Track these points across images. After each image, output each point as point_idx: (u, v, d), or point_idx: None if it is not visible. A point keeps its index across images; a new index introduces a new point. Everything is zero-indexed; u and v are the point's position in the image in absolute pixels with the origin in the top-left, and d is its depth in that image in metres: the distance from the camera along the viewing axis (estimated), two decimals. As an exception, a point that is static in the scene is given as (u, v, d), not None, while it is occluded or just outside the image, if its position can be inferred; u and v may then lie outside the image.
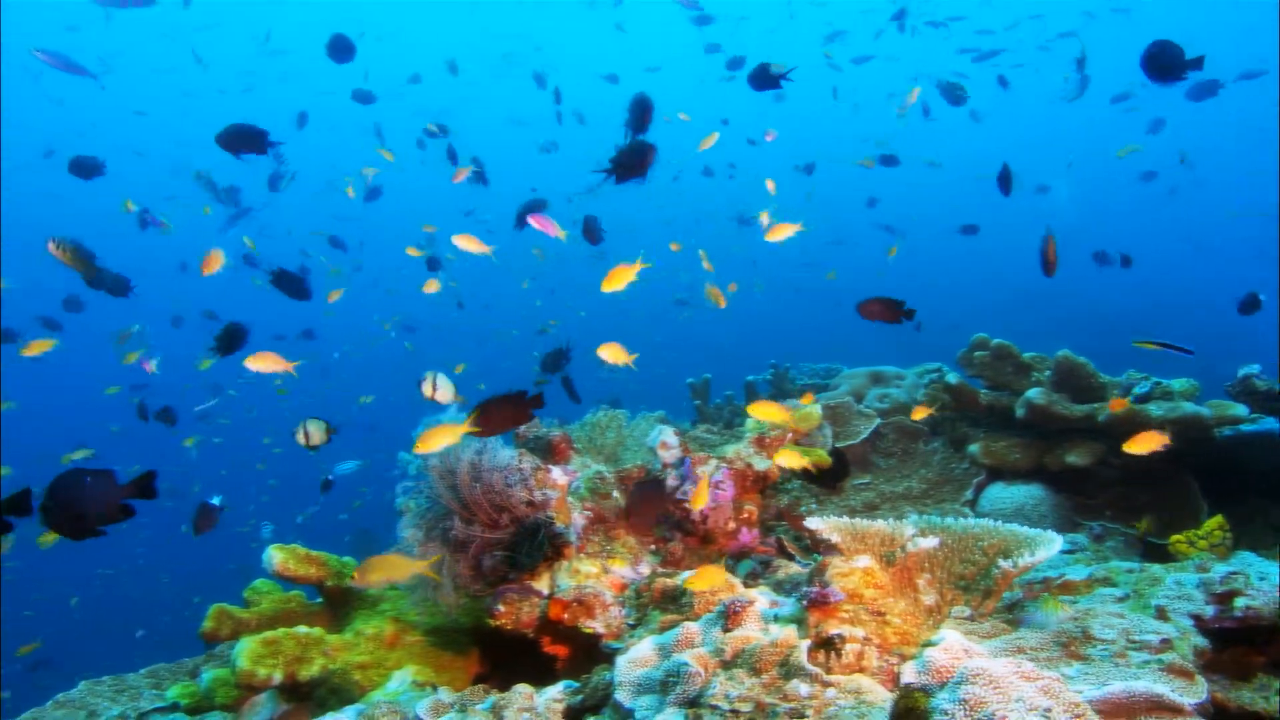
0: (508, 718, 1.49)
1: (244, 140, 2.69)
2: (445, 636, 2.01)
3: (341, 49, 4.26)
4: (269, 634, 1.81)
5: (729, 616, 1.47)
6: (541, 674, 1.89)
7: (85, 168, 3.48)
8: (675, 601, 1.75)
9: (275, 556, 2.13)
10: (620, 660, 1.53)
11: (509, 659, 2.07)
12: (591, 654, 1.86)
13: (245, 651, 1.74)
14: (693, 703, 1.33)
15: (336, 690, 1.80)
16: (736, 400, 5.70)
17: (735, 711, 1.26)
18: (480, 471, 1.93)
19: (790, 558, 2.40)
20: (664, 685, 1.43)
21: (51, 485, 1.33)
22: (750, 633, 1.42)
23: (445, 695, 1.78)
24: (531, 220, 2.87)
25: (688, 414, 4.46)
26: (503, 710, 1.52)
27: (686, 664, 1.38)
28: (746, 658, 1.37)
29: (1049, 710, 0.99)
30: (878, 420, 3.32)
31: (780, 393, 5.66)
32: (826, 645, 1.31)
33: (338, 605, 2.21)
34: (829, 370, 6.19)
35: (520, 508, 1.93)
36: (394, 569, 1.67)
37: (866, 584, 1.47)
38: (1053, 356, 2.79)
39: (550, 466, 2.14)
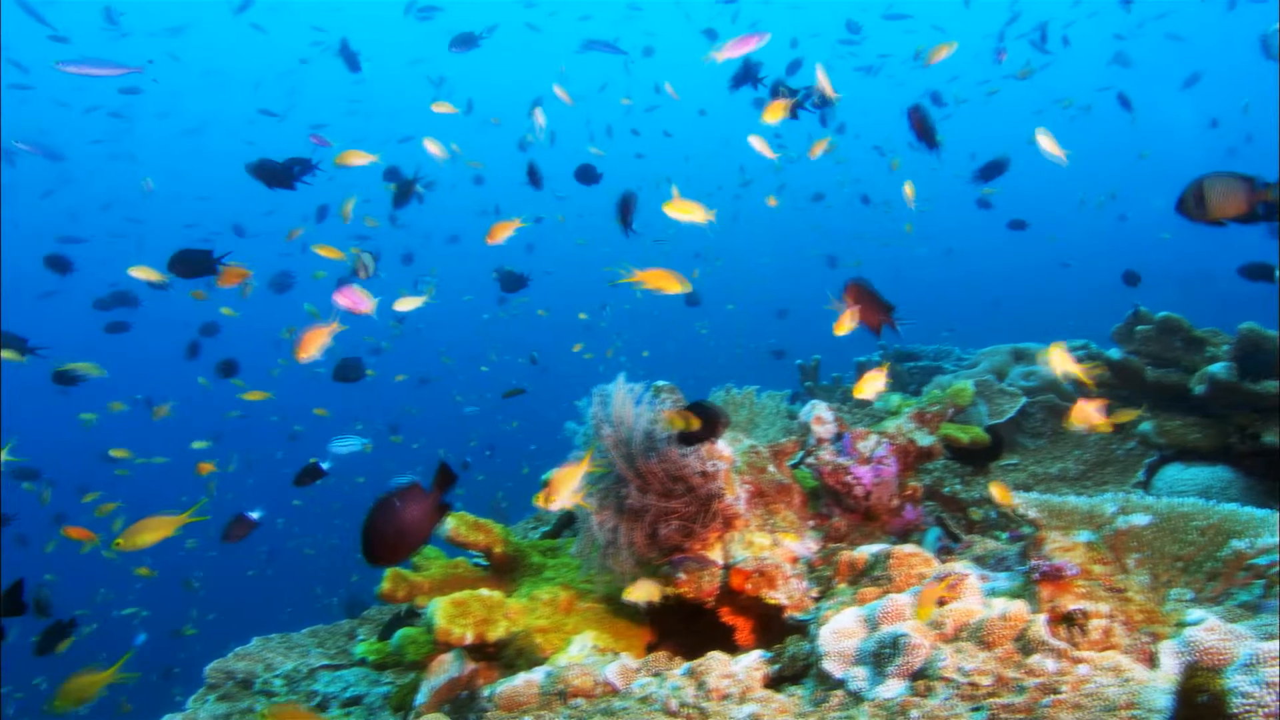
0: (710, 683, 1.49)
1: (274, 176, 2.72)
2: (617, 604, 2.04)
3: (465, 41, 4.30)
4: (457, 595, 1.87)
5: (946, 588, 1.43)
6: (710, 644, 1.89)
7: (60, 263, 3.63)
8: (866, 574, 1.71)
9: (447, 522, 2.21)
10: (823, 631, 1.50)
11: (675, 629, 2.08)
12: (770, 626, 1.85)
13: (439, 611, 1.80)
14: (919, 675, 1.30)
15: (522, 651, 1.85)
16: (845, 382, 5.58)
17: (974, 684, 1.22)
18: (655, 441, 1.93)
19: (956, 538, 2.32)
20: (877, 657, 1.40)
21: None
22: (971, 606, 1.38)
23: (630, 660, 1.81)
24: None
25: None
26: (703, 676, 1.52)
27: (906, 635, 1.35)
28: (973, 631, 1.32)
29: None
30: (1024, 399, 3.17)
31: (890, 375, 5.49)
32: (1067, 621, 1.25)
33: (503, 572, 2.27)
34: (939, 352, 5.99)
35: (695, 478, 1.93)
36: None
37: (1092, 560, 1.40)
38: (1232, 331, 2.59)
39: (717, 437, 2.13)
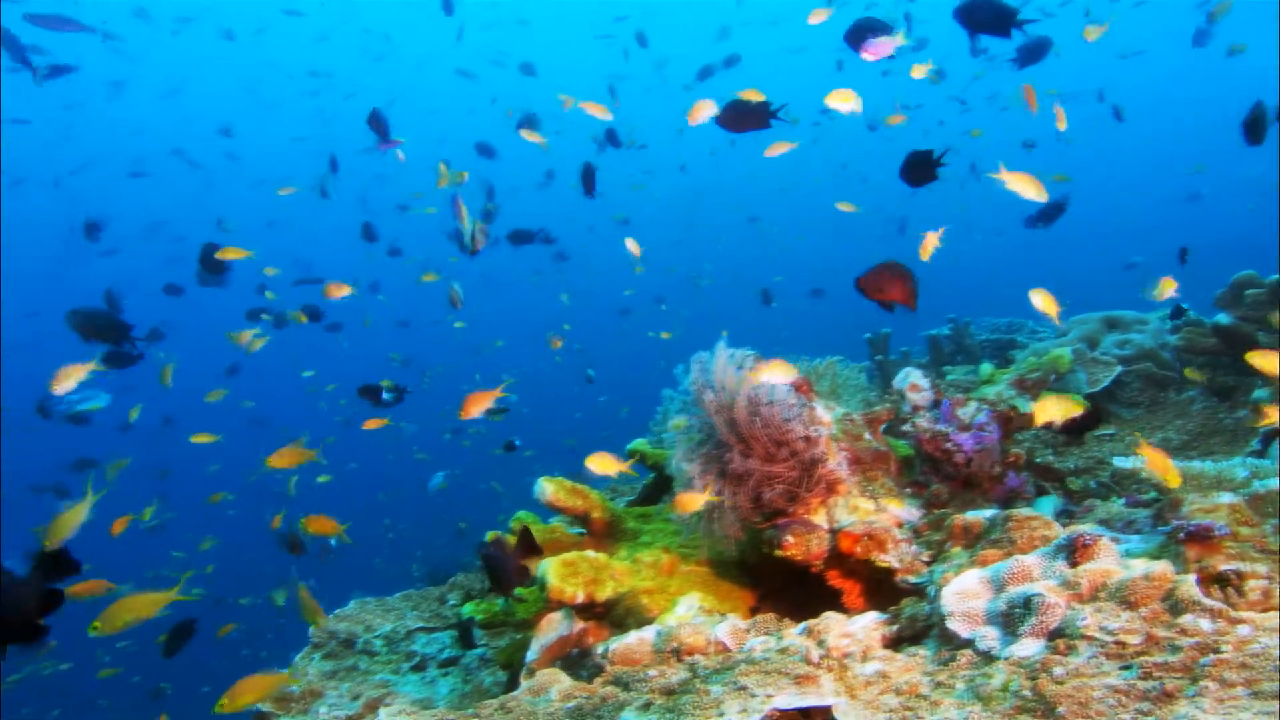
0: (829, 641, 1.50)
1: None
2: (718, 567, 2.06)
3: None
4: (566, 556, 1.91)
5: (1076, 550, 1.40)
6: (812, 608, 1.89)
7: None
8: (983, 538, 1.69)
9: (547, 488, 2.25)
10: (946, 592, 1.49)
11: (774, 593, 2.09)
12: (880, 589, 1.85)
13: (552, 571, 1.85)
14: (1056, 634, 1.28)
15: (630, 611, 1.89)
16: (914, 356, 5.48)
17: (1120, 643, 1.19)
18: (759, 406, 1.93)
19: (1059, 505, 2.27)
20: (1007, 617, 1.38)
21: None
22: (1108, 566, 1.35)
23: (738, 621, 1.83)
24: None
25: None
26: (822, 635, 1.53)
27: (1041, 594, 1.33)
28: (1114, 591, 1.30)
29: None
30: (1119, 368, 3.07)
31: (960, 348, 5.39)
32: (1219, 581, 1.22)
33: (599, 536, 2.31)
34: (1011, 325, 5.83)
35: (798, 443, 1.93)
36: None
37: (1237, 521, 1.36)
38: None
39: (814, 404, 2.12)
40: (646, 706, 1.20)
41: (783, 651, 1.25)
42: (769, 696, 1.09)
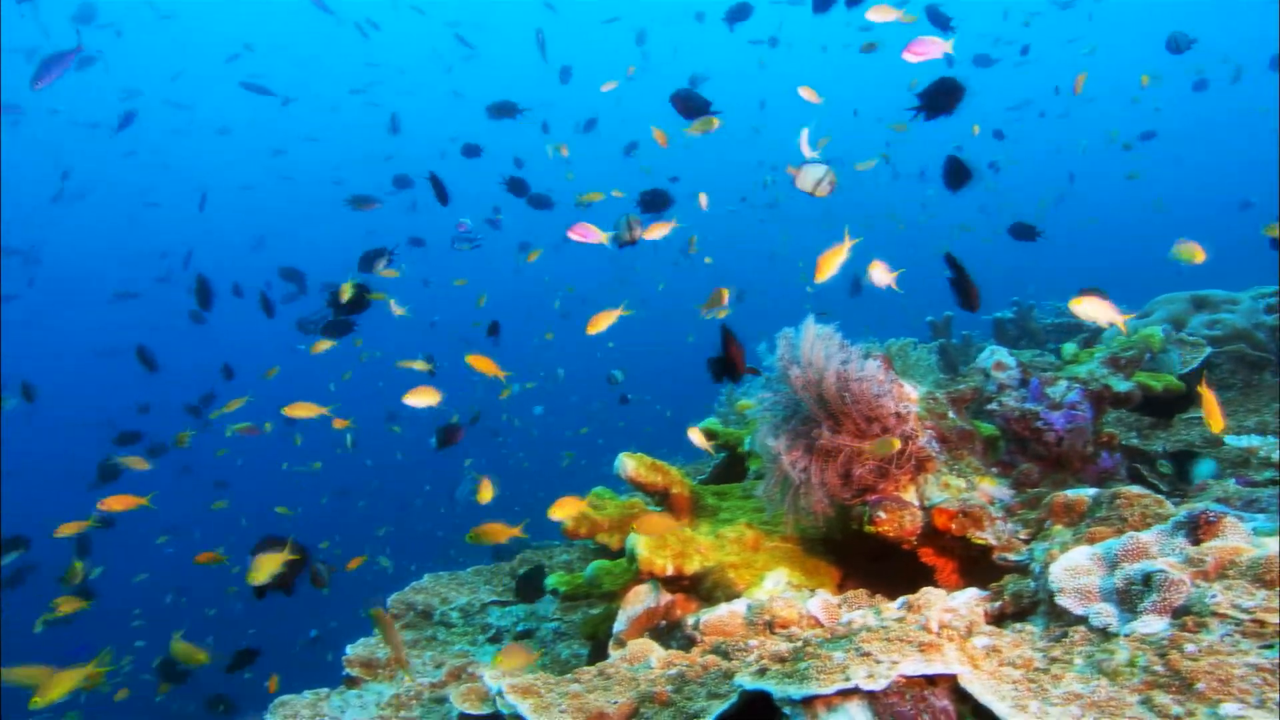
0: (931, 616, 1.48)
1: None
2: (802, 544, 2.05)
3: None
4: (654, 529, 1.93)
5: (1200, 527, 1.36)
6: (899, 585, 1.87)
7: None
8: (1088, 516, 1.65)
9: (628, 464, 2.27)
10: (1055, 569, 1.46)
11: (858, 570, 2.07)
12: (973, 567, 1.82)
13: (642, 543, 1.87)
14: (1183, 611, 1.25)
15: (719, 585, 1.90)
16: (976, 340, 5.37)
17: (1259, 621, 1.16)
18: (849, 382, 1.91)
19: (1155, 488, 2.20)
20: (1124, 594, 1.35)
21: None
22: (1237, 543, 1.30)
23: (829, 596, 1.82)
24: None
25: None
26: (923, 609, 1.51)
27: (1164, 571, 1.29)
28: (1244, 569, 1.26)
29: None
30: (1209, 349, 2.96)
31: (1024, 332, 5.27)
32: (1363, 558, 1.17)
33: (678, 513, 2.32)
34: (1075, 307, 5.63)
35: (890, 419, 1.90)
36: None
37: (1376, 499, 1.30)
38: None
39: (902, 381, 2.09)
40: (762, 672, 1.21)
41: (900, 621, 1.24)
42: (894, 663, 1.08)
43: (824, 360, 1.95)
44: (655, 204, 3.38)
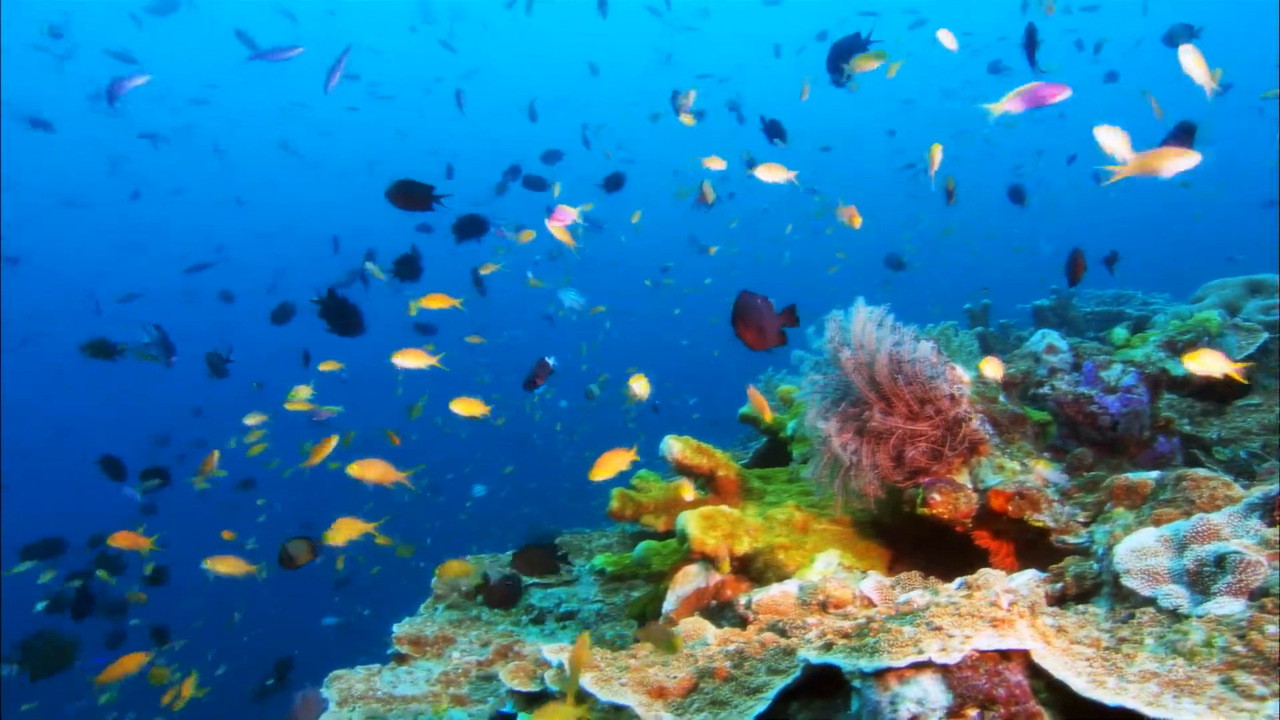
0: (999, 593, 1.47)
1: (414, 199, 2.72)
2: (851, 526, 2.04)
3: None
4: (704, 509, 1.93)
5: (1277, 509, 1.33)
6: (951, 568, 1.86)
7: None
8: (1151, 498, 1.63)
9: (674, 446, 2.27)
10: (1121, 550, 1.44)
11: (908, 553, 2.06)
12: (1029, 550, 1.80)
13: (693, 523, 1.87)
14: (1260, 593, 1.22)
15: (769, 566, 1.90)
16: (1014, 329, 5.30)
17: (1343, 601, 1.13)
18: (901, 364, 1.90)
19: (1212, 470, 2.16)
20: (1195, 575, 1.33)
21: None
22: (1315, 525, 1.28)
23: (882, 577, 1.81)
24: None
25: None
26: (984, 590, 1.50)
27: (1239, 552, 1.27)
28: (1324, 549, 1.23)
29: None
30: (1265, 334, 2.88)
31: (1063, 320, 5.19)
32: None
33: (726, 495, 2.32)
34: (1119, 296, 5.56)
35: (943, 400, 1.89)
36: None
37: None
38: None
39: (955, 364, 2.07)
40: (828, 647, 1.21)
41: (967, 598, 1.23)
42: (967, 637, 1.07)
43: (875, 342, 1.94)
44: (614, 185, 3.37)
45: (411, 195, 2.77)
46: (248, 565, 2.77)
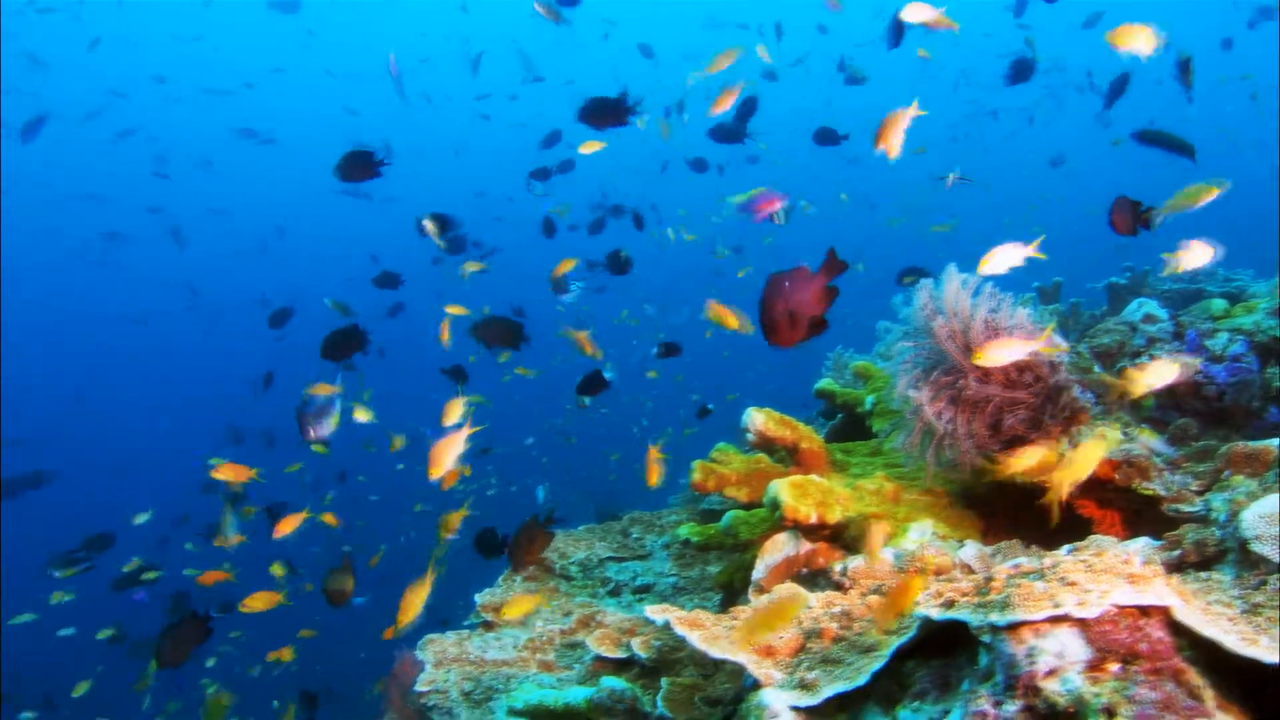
0: (1131, 551, 1.43)
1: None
2: (943, 496, 2.02)
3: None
4: (794, 478, 1.93)
5: None
6: (1049, 538, 1.82)
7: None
8: (1275, 465, 1.57)
9: (756, 418, 2.27)
10: (1248, 515, 1.39)
11: (1003, 524, 2.03)
12: (1135, 519, 1.75)
13: (785, 491, 1.87)
14: None
15: (861, 535, 1.88)
16: (1084, 309, 5.14)
17: None
18: (998, 330, 1.86)
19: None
20: (1333, 539, 1.28)
21: None
22: None
23: (981, 546, 1.79)
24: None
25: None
26: (1099, 555, 1.46)
27: (1385, 514, 1.21)
28: None
29: None
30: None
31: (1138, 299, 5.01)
32: None
33: (809, 467, 2.31)
34: (1197, 274, 5.36)
35: (1043, 368, 1.84)
36: None
37: None
38: None
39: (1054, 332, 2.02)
40: (949, 604, 1.20)
41: (1099, 556, 1.21)
42: (1105, 592, 1.05)
43: (970, 309, 1.90)
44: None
45: (354, 166, 2.77)
46: (277, 596, 2.78)
